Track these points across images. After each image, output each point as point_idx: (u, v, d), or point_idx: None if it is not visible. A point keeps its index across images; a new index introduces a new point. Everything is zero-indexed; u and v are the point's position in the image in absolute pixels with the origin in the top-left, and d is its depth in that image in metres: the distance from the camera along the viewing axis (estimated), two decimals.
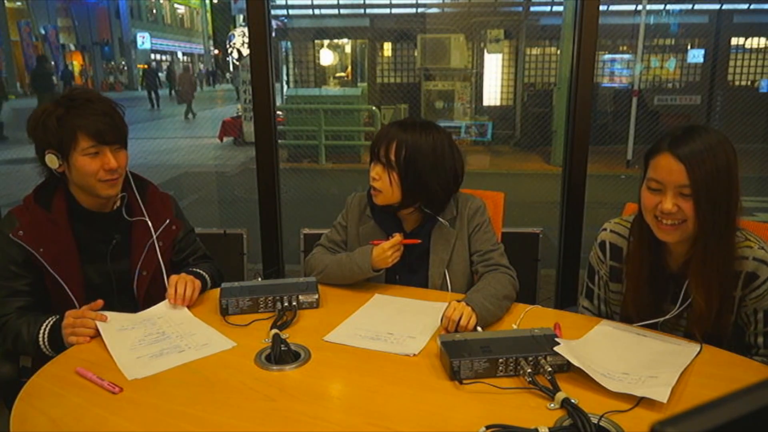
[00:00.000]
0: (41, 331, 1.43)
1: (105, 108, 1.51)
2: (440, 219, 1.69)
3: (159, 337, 1.39)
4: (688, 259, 1.37)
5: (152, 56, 26.33)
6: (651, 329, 1.43)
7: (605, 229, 1.55)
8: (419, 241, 1.68)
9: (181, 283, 1.56)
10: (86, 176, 1.50)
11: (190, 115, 12.28)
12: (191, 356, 1.30)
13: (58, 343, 1.41)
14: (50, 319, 1.45)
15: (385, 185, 1.63)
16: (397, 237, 1.64)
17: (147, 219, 1.64)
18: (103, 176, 1.51)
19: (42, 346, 1.43)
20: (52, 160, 1.50)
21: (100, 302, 1.43)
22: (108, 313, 1.43)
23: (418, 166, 1.60)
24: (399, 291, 1.68)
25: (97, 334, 1.38)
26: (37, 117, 1.49)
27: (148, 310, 1.53)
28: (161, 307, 1.54)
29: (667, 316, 1.41)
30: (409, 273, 1.74)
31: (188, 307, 1.55)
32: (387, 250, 1.61)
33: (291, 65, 8.95)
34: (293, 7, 8.67)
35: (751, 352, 1.39)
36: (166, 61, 28.69)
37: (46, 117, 1.48)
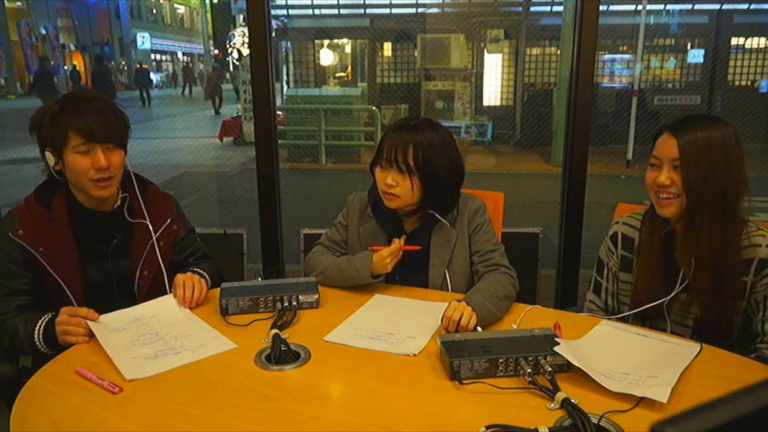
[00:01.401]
0: (37, 328, 1.43)
1: (99, 107, 1.50)
2: (441, 219, 1.69)
3: (152, 338, 1.38)
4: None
5: (152, 56, 26.32)
6: (652, 329, 1.44)
7: (617, 222, 1.61)
8: (419, 247, 1.67)
9: (189, 286, 1.56)
10: (78, 175, 1.50)
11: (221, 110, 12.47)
12: (187, 358, 1.30)
13: (54, 340, 1.40)
14: (46, 316, 1.45)
15: (405, 190, 1.62)
16: (396, 244, 1.63)
17: (148, 220, 1.63)
18: (93, 175, 1.50)
19: (37, 343, 1.42)
20: (49, 158, 1.51)
21: (96, 315, 1.42)
22: (101, 316, 1.42)
23: (435, 163, 1.60)
24: (399, 291, 1.68)
25: (92, 334, 1.38)
26: (36, 115, 1.51)
27: (139, 306, 1.52)
28: (154, 305, 1.53)
29: (671, 294, 1.43)
30: (410, 273, 1.73)
31: (190, 307, 1.55)
32: (386, 258, 1.61)
33: (291, 65, 8.95)
34: (293, 7, 8.68)
35: (756, 341, 1.41)
36: (167, 61, 28.68)
37: (42, 115, 1.50)
